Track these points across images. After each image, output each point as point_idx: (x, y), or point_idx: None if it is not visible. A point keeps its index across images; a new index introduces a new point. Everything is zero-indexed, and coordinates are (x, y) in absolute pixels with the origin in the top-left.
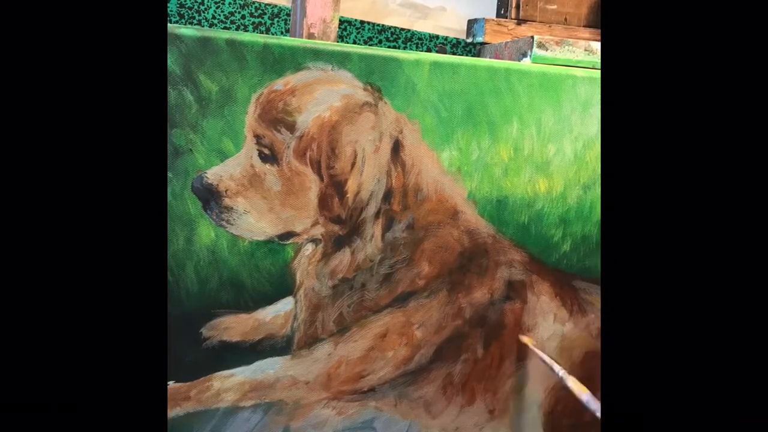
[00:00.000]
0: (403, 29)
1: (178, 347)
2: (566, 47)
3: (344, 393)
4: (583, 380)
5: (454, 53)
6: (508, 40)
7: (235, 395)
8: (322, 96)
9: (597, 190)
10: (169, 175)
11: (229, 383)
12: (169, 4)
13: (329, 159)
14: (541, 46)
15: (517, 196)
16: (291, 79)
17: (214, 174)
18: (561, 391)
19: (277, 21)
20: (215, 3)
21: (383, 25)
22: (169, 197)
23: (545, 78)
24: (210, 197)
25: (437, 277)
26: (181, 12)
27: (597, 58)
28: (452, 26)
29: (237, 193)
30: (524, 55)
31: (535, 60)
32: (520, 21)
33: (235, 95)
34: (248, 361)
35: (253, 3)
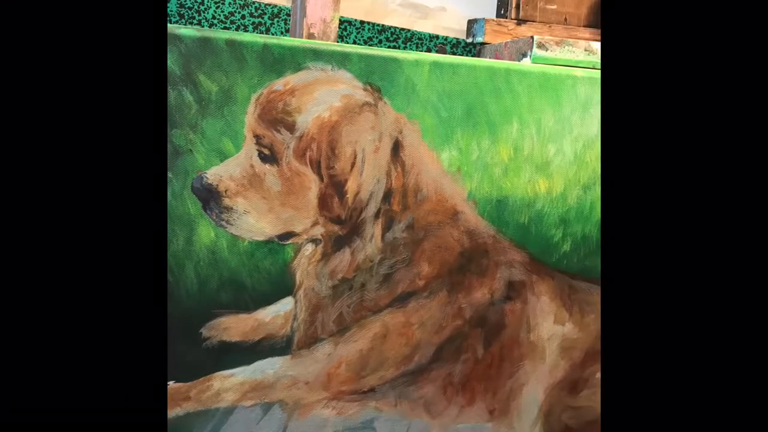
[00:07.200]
0: (403, 29)
1: (178, 347)
2: (566, 47)
3: (344, 393)
4: (583, 380)
5: (454, 53)
6: (508, 40)
7: (235, 395)
8: (321, 96)
9: (597, 190)
10: (169, 175)
11: (228, 383)
12: (169, 4)
13: (329, 159)
14: (541, 46)
15: (517, 197)
16: (291, 80)
17: (213, 174)
18: (561, 390)
19: (277, 21)
20: (215, 3)
21: (383, 25)
22: (169, 197)
23: (545, 78)
24: (210, 197)
25: (437, 278)
26: (181, 12)
27: (597, 58)
28: (452, 26)
29: (237, 193)
30: (524, 55)
31: (535, 60)
32: (520, 21)
33: (234, 95)
34: (248, 361)
35: (253, 3)
